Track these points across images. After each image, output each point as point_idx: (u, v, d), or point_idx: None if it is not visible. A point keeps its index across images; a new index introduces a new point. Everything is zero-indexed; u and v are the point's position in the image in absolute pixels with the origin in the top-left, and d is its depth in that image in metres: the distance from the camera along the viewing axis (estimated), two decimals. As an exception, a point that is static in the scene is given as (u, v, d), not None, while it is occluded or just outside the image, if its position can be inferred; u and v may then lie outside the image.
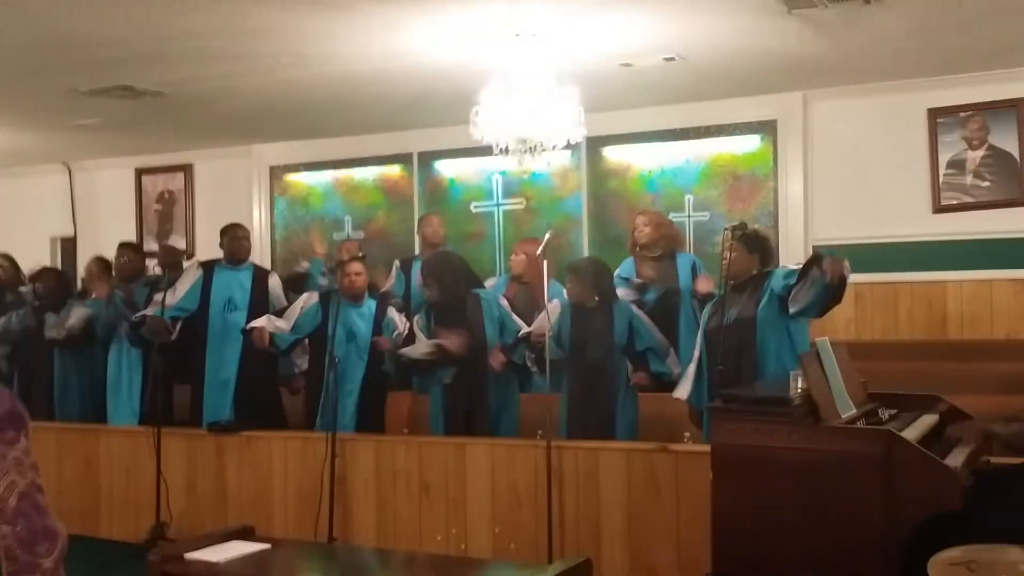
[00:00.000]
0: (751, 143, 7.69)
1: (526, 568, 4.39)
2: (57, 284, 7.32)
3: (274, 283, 6.67)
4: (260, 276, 6.64)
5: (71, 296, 7.38)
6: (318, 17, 5.26)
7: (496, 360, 5.50)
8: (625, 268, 6.71)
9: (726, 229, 5.13)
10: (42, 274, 7.42)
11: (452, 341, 5.48)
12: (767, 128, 7.60)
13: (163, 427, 5.97)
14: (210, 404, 6.39)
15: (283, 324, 5.93)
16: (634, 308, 5.65)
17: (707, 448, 3.89)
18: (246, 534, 3.57)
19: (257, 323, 5.91)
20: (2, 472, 1.46)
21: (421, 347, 5.57)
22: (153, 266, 7.61)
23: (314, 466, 5.53)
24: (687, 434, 5.30)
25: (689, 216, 7.78)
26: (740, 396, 3.71)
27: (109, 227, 9.92)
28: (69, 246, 10.43)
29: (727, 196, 7.75)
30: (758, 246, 5.17)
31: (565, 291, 5.66)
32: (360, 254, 6.39)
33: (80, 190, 10.34)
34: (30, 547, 1.49)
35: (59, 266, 9.95)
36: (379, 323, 5.98)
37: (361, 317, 5.96)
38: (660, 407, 5.58)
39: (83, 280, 7.89)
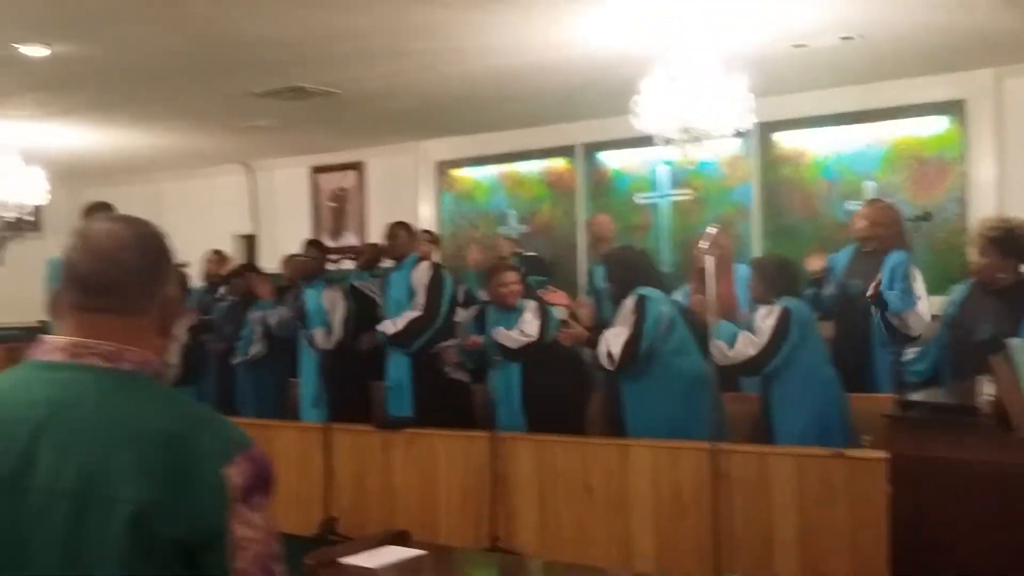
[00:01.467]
0: (937, 125, 7.18)
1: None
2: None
3: (418, 271, 6.55)
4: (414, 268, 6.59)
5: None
6: (480, 11, 5.21)
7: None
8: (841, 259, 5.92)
9: (909, 220, 4.74)
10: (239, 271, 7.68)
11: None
12: (955, 109, 7.07)
13: (334, 424, 6.08)
14: (392, 402, 6.45)
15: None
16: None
17: (885, 455, 3.60)
18: (403, 539, 3.54)
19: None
20: (251, 542, 1.36)
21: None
22: (356, 266, 7.63)
23: (477, 465, 5.50)
24: (867, 437, 4.96)
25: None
26: (920, 403, 3.40)
27: (287, 225, 10.26)
28: (250, 244, 10.84)
29: (911, 182, 7.26)
30: (1015, 248, 4.39)
31: (750, 289, 5.32)
32: (512, 255, 6.28)
33: (259, 189, 10.73)
34: None
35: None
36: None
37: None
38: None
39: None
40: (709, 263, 4.96)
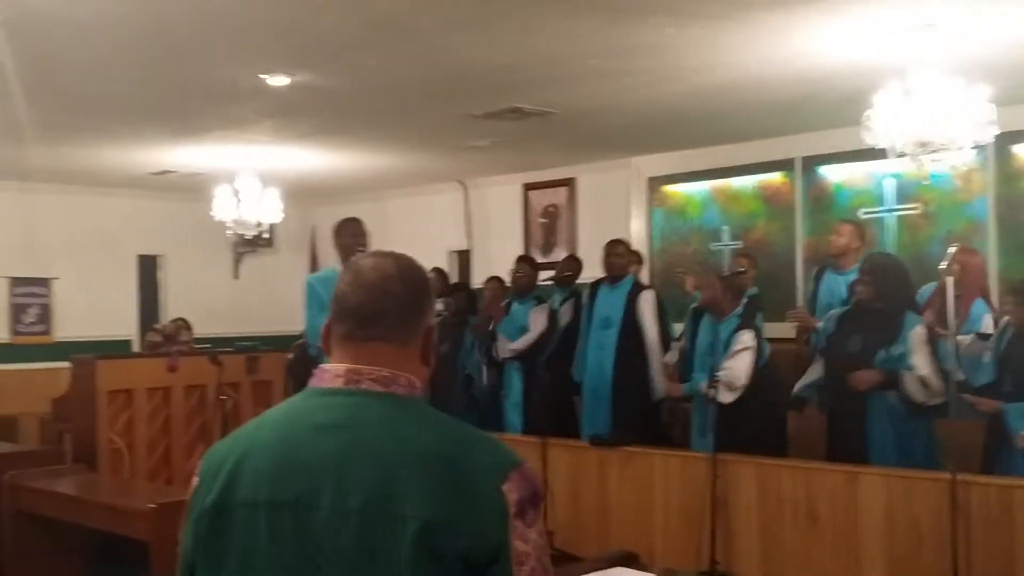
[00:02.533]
0: None
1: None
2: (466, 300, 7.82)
3: (644, 300, 6.56)
4: (634, 293, 6.60)
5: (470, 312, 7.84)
6: (698, 29, 5.16)
7: (862, 378, 5.03)
8: None
9: None
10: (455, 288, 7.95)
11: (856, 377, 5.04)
12: None
13: (549, 438, 6.16)
14: (595, 418, 6.50)
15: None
16: None
17: None
18: (630, 561, 3.53)
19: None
20: (527, 556, 1.41)
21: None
22: (548, 281, 7.76)
23: (695, 486, 5.43)
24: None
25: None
26: None
27: (499, 241, 10.48)
28: (464, 259, 11.14)
29: None
30: None
31: (1007, 313, 4.99)
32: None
33: (473, 206, 11.02)
34: None
35: (457, 278, 10.69)
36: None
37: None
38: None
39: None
40: (949, 283, 4.72)
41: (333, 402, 1.51)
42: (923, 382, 4.97)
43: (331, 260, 10.29)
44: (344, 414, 1.48)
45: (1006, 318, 4.96)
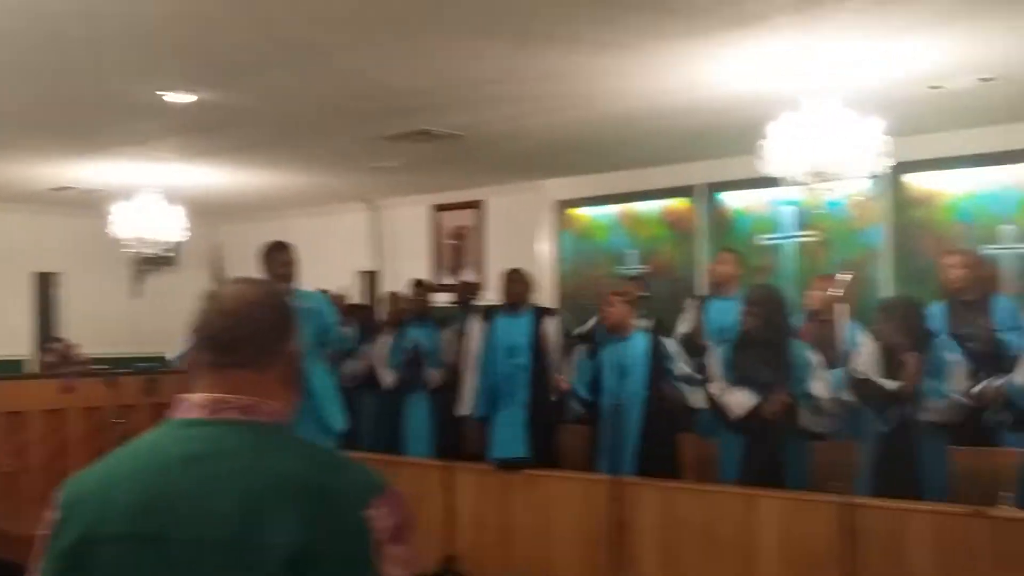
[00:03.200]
0: (1081, 167, 6.88)
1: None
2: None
3: (550, 325, 6.59)
4: (538, 319, 6.61)
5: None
6: (606, 57, 5.24)
7: (773, 408, 5.16)
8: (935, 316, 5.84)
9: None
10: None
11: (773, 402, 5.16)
12: (1101, 150, 6.77)
13: (454, 461, 6.13)
14: (502, 442, 6.47)
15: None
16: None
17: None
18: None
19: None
20: None
21: (739, 400, 5.32)
22: (449, 302, 7.80)
23: (596, 509, 5.46)
24: (1007, 495, 4.75)
25: (1007, 248, 7.05)
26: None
27: (407, 261, 10.44)
28: (372, 280, 11.07)
29: (1050, 225, 6.96)
30: None
31: (872, 332, 5.22)
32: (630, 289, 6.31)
33: (382, 226, 10.96)
34: None
35: (363, 300, 10.61)
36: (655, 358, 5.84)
37: (629, 354, 5.85)
38: (976, 462, 5.07)
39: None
40: (840, 309, 4.87)
41: (195, 433, 1.48)
42: (818, 404, 5.14)
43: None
44: (207, 445, 1.46)
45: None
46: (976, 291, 5.79)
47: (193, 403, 1.51)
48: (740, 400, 5.27)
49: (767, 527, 4.98)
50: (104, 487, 1.48)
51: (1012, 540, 4.28)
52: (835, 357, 5.56)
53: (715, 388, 5.42)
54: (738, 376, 5.35)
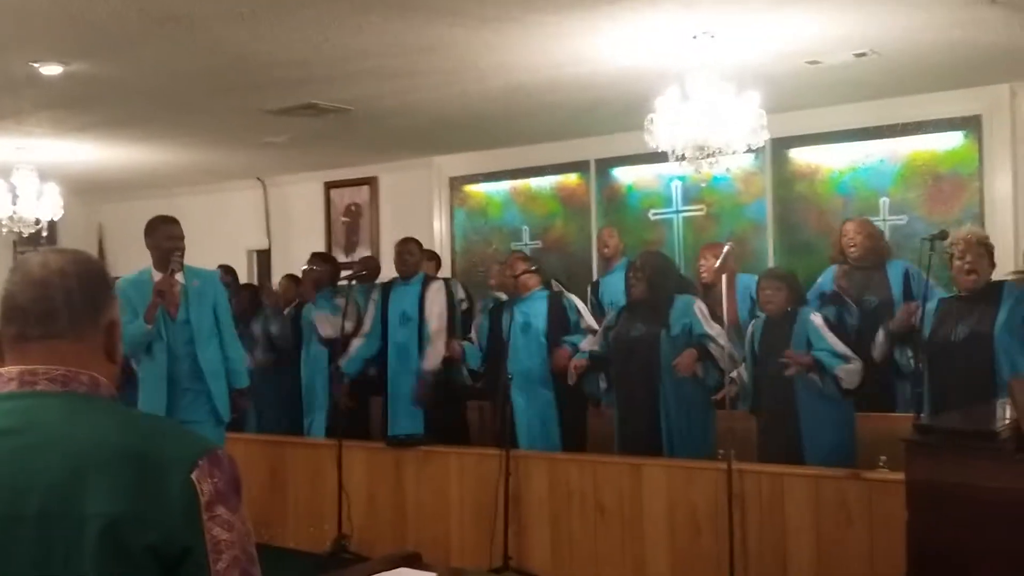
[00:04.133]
0: (952, 140, 7.13)
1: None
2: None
3: (432, 291, 6.57)
4: (425, 287, 6.59)
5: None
6: (492, 31, 5.21)
7: (685, 362, 5.25)
8: (826, 280, 6.07)
9: (924, 239, 4.73)
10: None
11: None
12: (971, 124, 7.03)
13: (348, 440, 6.07)
14: (397, 417, 6.44)
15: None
16: (813, 317, 5.24)
17: (903, 478, 3.56)
18: (413, 561, 3.51)
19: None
20: (228, 544, 1.38)
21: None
22: (346, 279, 7.60)
23: (489, 483, 5.48)
24: (883, 458, 4.92)
25: (885, 220, 7.28)
26: (937, 427, 3.37)
27: (300, 240, 10.27)
28: (264, 258, 10.87)
29: (927, 198, 7.22)
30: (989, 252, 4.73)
31: (761, 302, 5.36)
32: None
33: (273, 204, 10.76)
34: None
35: (255, 279, 10.41)
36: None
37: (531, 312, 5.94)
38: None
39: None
40: (724, 279, 4.97)
41: (6, 407, 1.42)
42: (717, 342, 5.25)
43: (121, 260, 9.89)
44: (20, 418, 1.41)
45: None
46: (871, 258, 5.99)
47: (5, 377, 1.45)
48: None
49: (654, 495, 5.07)
50: None
51: (886, 502, 4.43)
52: (724, 326, 5.67)
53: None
54: (627, 339, 5.45)
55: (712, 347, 5.26)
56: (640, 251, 6.44)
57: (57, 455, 1.37)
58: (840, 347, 5.03)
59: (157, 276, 5.06)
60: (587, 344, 5.75)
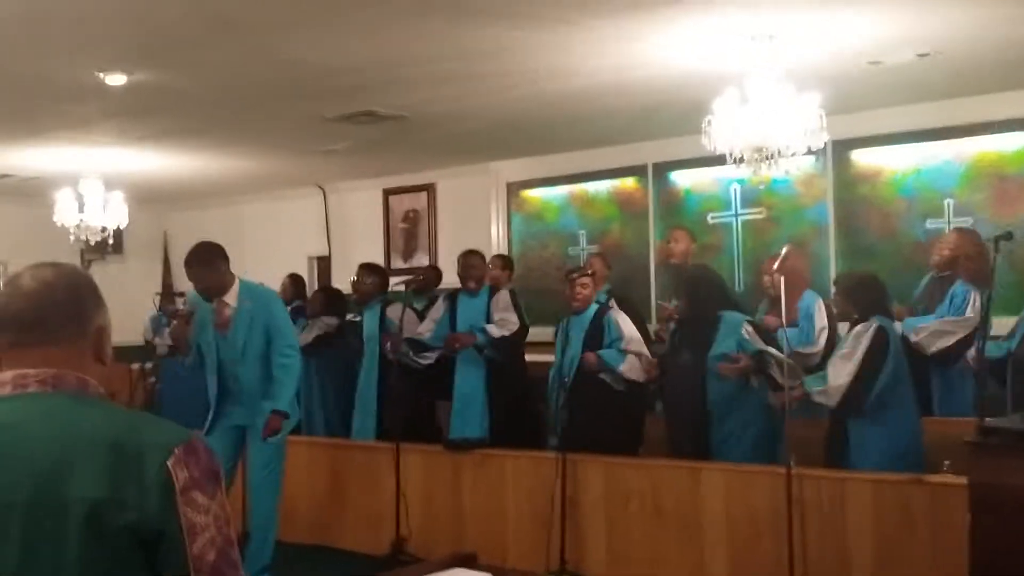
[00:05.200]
0: (1019, 140, 6.96)
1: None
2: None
3: (497, 298, 6.62)
4: (491, 296, 6.65)
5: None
6: (547, 33, 5.22)
7: (731, 368, 5.19)
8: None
9: (990, 240, 4.63)
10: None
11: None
12: (1037, 124, 6.86)
13: (403, 443, 6.11)
14: (463, 422, 6.49)
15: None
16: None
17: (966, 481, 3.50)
18: (469, 561, 3.52)
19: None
20: (203, 527, 1.48)
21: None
22: (404, 288, 7.60)
23: (545, 486, 5.48)
24: (947, 462, 4.81)
25: (949, 222, 7.14)
26: (1002, 429, 3.29)
27: (360, 246, 10.38)
28: (324, 265, 10.99)
29: (993, 199, 7.05)
30: None
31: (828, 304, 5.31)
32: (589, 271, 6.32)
33: (333, 211, 10.88)
34: None
35: (315, 284, 10.53)
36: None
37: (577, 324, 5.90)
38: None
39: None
40: (780, 281, 4.91)
41: (1, 408, 1.53)
42: (776, 358, 5.17)
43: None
44: (11, 417, 1.52)
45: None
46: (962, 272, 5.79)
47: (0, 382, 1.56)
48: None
49: (712, 498, 5.02)
50: None
51: (950, 506, 4.34)
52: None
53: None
54: (675, 367, 5.42)
55: (772, 366, 5.14)
56: (685, 269, 6.36)
57: (45, 447, 1.48)
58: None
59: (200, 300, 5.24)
60: (627, 367, 5.68)
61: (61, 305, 1.60)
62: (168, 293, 7.96)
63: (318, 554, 6.17)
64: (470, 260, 6.70)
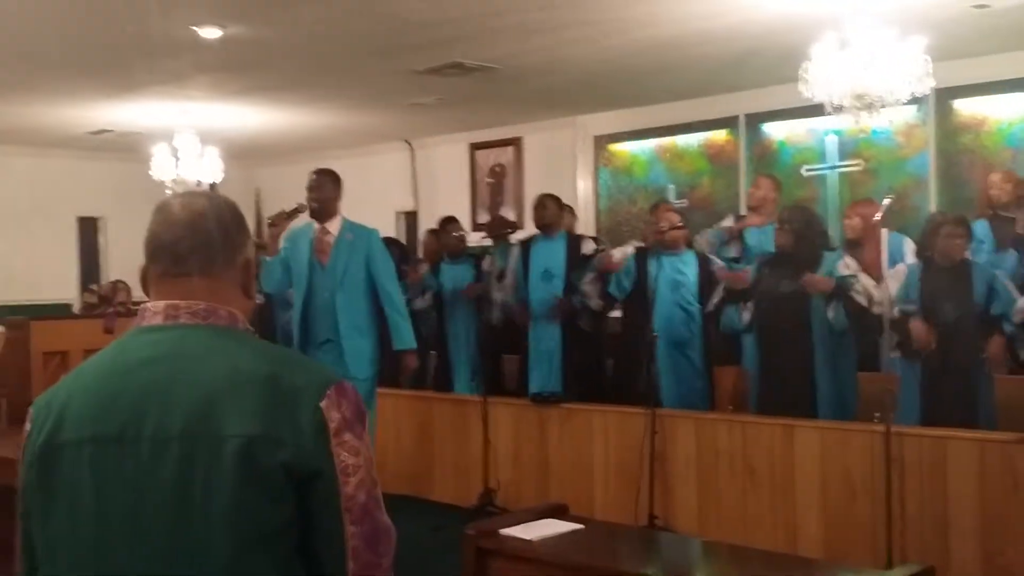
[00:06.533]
0: None
1: (862, 572, 4.01)
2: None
3: (587, 247, 6.51)
4: (574, 243, 6.49)
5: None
6: (638, -20, 5.11)
7: (815, 282, 5.10)
8: (979, 232, 5.83)
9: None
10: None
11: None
12: None
13: (491, 397, 6.13)
14: (536, 375, 6.43)
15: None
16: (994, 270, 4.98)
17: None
18: (560, 512, 3.52)
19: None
20: (355, 468, 1.48)
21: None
22: (482, 237, 7.62)
23: (633, 442, 5.43)
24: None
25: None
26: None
27: (446, 201, 10.39)
28: (412, 220, 11.04)
29: (1102, 150, 6.73)
30: None
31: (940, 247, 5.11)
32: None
33: (420, 166, 10.90)
34: (374, 547, 1.50)
35: (403, 239, 10.58)
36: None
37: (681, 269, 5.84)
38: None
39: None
40: (884, 233, 4.77)
41: (153, 338, 1.53)
42: (860, 284, 5.05)
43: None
44: (164, 348, 1.51)
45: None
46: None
47: (152, 311, 1.56)
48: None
49: (806, 457, 4.92)
50: (67, 395, 1.53)
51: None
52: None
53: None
54: (773, 295, 5.28)
55: (855, 290, 5.02)
56: (789, 204, 6.22)
57: (197, 380, 1.47)
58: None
59: (316, 226, 5.21)
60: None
61: (212, 235, 1.57)
62: (261, 246, 8.05)
63: (407, 504, 6.24)
64: (542, 201, 6.56)
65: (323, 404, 1.47)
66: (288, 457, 1.42)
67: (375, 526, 1.50)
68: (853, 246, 5.98)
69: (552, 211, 6.47)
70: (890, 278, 4.92)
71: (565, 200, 6.98)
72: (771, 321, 5.28)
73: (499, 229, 7.52)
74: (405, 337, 5.28)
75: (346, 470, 1.47)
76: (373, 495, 1.50)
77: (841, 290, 5.05)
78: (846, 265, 5.19)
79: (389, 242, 8.11)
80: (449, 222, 7.47)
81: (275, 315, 6.60)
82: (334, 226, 5.25)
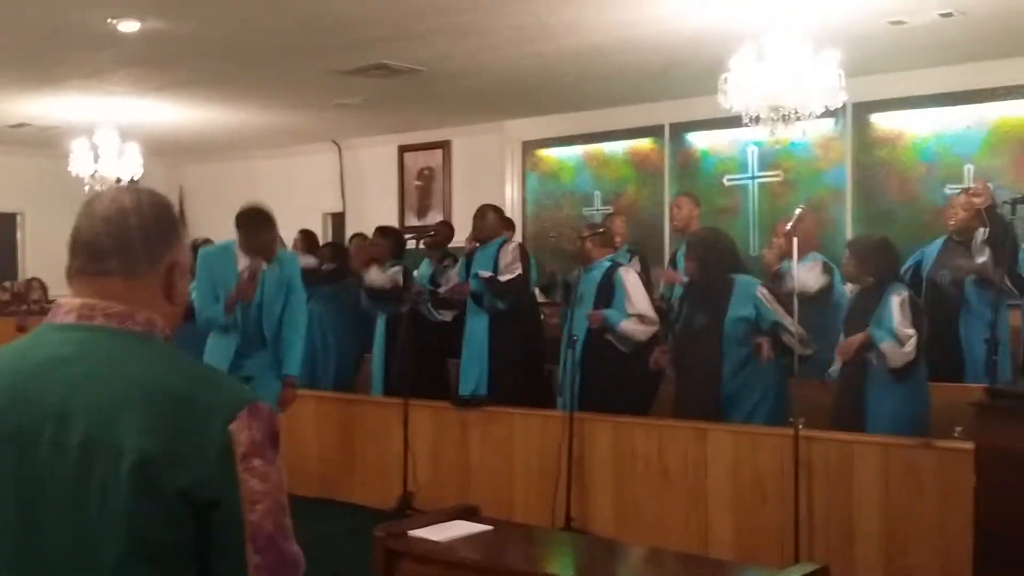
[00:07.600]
0: (1042, 106, 6.86)
1: (764, 570, 4.10)
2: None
3: (503, 253, 6.52)
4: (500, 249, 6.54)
5: None
6: (563, -14, 5.15)
7: (763, 348, 5.10)
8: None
9: (1006, 202, 4.55)
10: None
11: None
12: (1063, 89, 6.74)
13: (411, 399, 6.11)
14: (467, 378, 6.46)
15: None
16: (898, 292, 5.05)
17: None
18: (471, 514, 3.53)
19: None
20: (263, 496, 1.41)
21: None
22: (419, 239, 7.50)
23: (553, 445, 5.47)
24: (958, 428, 4.77)
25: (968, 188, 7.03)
26: (1007, 392, 3.25)
27: (374, 203, 10.35)
28: (339, 221, 10.96)
29: (1013, 165, 6.96)
30: None
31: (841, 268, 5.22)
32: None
33: (348, 167, 10.84)
34: None
35: (330, 240, 10.49)
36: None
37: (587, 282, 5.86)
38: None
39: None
40: (794, 243, 4.84)
41: (65, 337, 1.47)
42: (789, 331, 5.07)
43: (200, 221, 10.08)
44: (75, 349, 1.45)
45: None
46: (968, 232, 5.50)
47: (65, 308, 1.49)
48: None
49: (719, 460, 5.00)
50: None
51: (958, 471, 4.31)
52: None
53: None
54: (690, 331, 5.32)
55: (786, 337, 5.05)
56: (695, 231, 6.23)
57: (104, 389, 1.41)
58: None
59: (243, 259, 5.09)
60: (629, 327, 5.62)
61: (133, 235, 1.48)
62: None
63: (326, 507, 6.20)
64: (480, 212, 6.62)
65: (233, 426, 1.39)
66: (187, 482, 1.36)
67: (281, 556, 1.43)
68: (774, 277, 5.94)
69: (491, 221, 6.53)
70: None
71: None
72: (686, 354, 5.30)
73: (437, 240, 7.45)
74: (295, 365, 5.20)
75: (253, 497, 1.39)
76: (280, 524, 1.43)
77: (778, 341, 5.07)
78: (763, 295, 5.15)
79: (303, 233, 8.11)
80: (379, 233, 7.40)
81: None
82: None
